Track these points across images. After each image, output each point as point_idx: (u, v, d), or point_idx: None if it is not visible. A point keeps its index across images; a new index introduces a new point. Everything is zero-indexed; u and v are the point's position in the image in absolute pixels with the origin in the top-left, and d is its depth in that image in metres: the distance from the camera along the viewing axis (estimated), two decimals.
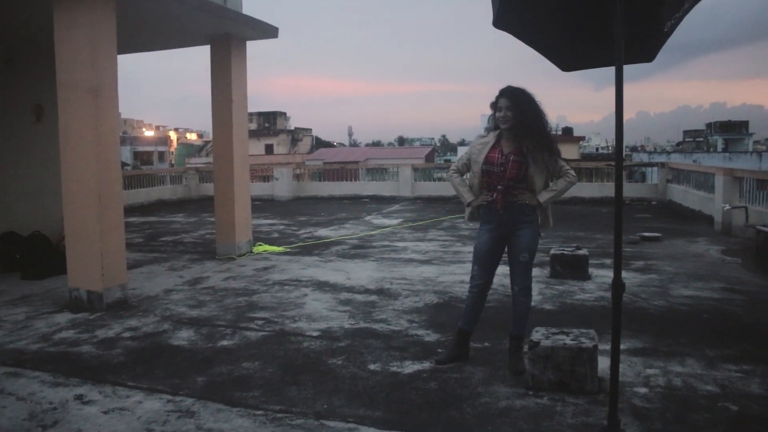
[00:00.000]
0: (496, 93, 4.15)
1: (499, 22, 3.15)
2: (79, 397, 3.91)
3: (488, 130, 4.34)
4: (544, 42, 3.46)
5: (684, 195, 14.59)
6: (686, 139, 74.66)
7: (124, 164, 39.02)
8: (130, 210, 15.02)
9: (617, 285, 2.89)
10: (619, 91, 2.87)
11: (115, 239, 6.32)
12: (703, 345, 4.73)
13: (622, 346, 3.96)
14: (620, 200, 2.96)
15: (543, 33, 3.38)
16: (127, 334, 5.28)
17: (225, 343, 5.01)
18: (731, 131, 63.23)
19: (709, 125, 67.60)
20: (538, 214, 4.20)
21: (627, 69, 2.98)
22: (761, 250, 8.92)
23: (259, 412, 3.67)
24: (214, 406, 3.77)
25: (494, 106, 4.16)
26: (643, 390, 3.89)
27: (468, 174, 4.42)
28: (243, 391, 4.00)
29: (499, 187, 4.14)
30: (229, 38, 8.77)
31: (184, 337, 5.19)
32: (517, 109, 4.05)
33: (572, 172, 4.19)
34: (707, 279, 7.05)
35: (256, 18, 8.68)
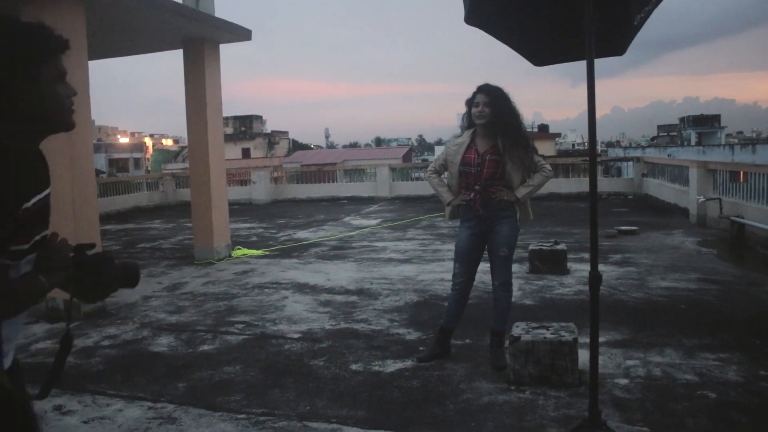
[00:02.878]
0: (474, 90, 4.18)
1: (471, 18, 3.15)
2: (58, 408, 3.85)
3: (463, 128, 4.36)
4: (516, 37, 3.47)
5: (659, 188, 14.77)
6: (660, 134, 75.52)
7: (99, 172, 38.51)
8: (106, 218, 14.84)
9: (594, 276, 2.91)
10: (590, 84, 2.89)
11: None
12: (681, 335, 4.79)
13: (602, 339, 4.01)
14: (594, 188, 2.99)
15: (514, 28, 3.39)
16: (105, 343, 5.22)
17: (205, 348, 4.97)
18: (704, 125, 64.07)
19: (682, 119, 68.44)
20: (517, 209, 4.23)
21: (601, 65, 3.01)
22: (735, 240, 9.08)
23: (242, 416, 3.64)
24: (196, 411, 3.73)
25: (470, 102, 4.18)
26: (623, 381, 3.93)
27: (446, 173, 4.44)
28: (225, 395, 3.97)
29: (476, 187, 4.17)
30: (202, 42, 8.70)
31: (163, 343, 5.14)
32: (494, 105, 4.08)
33: (548, 166, 4.25)
34: (684, 270, 7.15)
35: (229, 21, 8.64)
